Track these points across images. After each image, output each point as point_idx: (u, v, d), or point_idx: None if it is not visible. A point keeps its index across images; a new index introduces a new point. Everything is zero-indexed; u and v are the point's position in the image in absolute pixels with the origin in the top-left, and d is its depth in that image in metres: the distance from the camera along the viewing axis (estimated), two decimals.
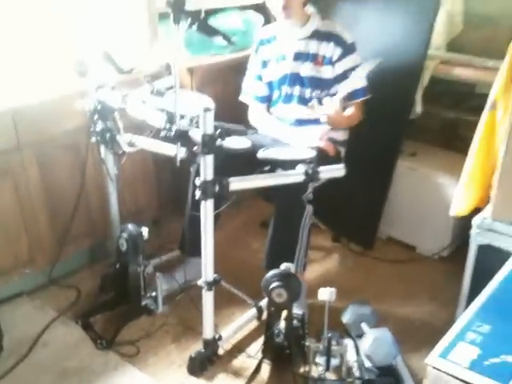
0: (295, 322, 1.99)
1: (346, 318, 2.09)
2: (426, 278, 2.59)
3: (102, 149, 2.25)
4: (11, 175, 2.19)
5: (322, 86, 2.37)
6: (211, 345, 1.99)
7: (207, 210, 1.78)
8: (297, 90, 2.41)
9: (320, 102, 2.26)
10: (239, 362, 2.08)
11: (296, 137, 2.36)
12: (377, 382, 1.85)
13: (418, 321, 2.29)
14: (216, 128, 1.71)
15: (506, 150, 1.80)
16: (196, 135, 1.74)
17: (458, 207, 2.17)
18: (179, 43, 1.72)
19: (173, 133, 1.79)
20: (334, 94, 2.35)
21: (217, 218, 1.89)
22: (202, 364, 2.00)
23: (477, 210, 2.09)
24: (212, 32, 1.93)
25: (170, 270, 2.40)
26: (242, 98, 2.59)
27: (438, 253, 2.67)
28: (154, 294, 2.24)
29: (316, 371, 1.94)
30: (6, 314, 2.19)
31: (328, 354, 1.88)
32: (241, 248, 2.81)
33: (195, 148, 1.78)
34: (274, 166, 2.02)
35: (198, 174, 1.80)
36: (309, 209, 2.21)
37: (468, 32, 2.74)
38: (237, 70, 2.80)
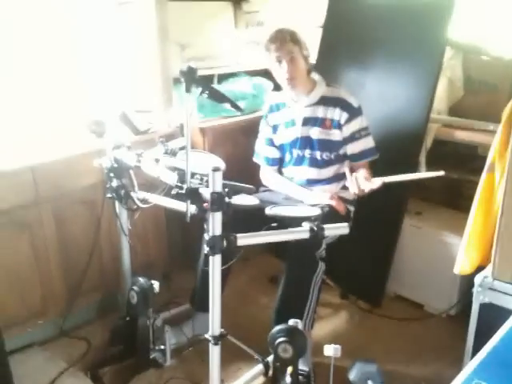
0: (301, 378, 2.00)
1: (352, 375, 2.09)
2: (434, 336, 2.59)
3: (117, 204, 2.33)
4: (28, 229, 2.29)
5: (331, 147, 2.44)
6: None
7: (215, 264, 1.83)
8: (307, 152, 2.48)
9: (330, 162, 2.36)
10: None
11: (307, 196, 2.44)
12: None
13: (423, 380, 2.28)
14: (225, 186, 1.79)
15: (502, 211, 1.86)
16: (206, 193, 1.83)
17: (462, 266, 2.21)
18: (191, 108, 1.83)
19: (184, 190, 1.88)
20: (343, 155, 2.46)
21: (226, 273, 1.93)
22: None
23: (481, 268, 2.12)
24: (221, 99, 2.03)
25: (179, 323, 2.43)
26: (255, 159, 2.68)
27: (445, 311, 2.67)
28: (162, 347, 2.28)
29: None
30: (17, 364, 2.21)
31: None
32: (249, 303, 2.84)
33: (205, 204, 1.86)
34: (281, 222, 2.08)
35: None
36: (321, 266, 2.26)
37: (469, 97, 2.84)
38: (246, 131, 2.94)
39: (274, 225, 2.08)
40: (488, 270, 2.00)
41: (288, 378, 1.93)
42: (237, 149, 2.99)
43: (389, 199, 2.68)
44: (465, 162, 2.88)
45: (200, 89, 1.85)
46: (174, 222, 2.91)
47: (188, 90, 1.77)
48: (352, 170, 2.38)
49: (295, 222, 1.99)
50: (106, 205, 2.41)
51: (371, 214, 2.66)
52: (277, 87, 2.98)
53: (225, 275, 1.89)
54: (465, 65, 2.84)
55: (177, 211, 2.10)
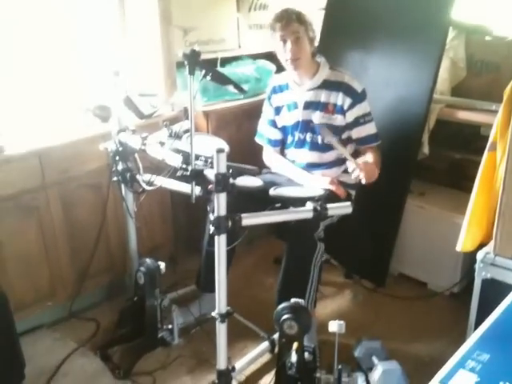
0: (306, 354, 2.04)
1: (357, 351, 2.14)
2: (437, 314, 2.62)
3: (123, 187, 2.37)
4: (36, 213, 2.32)
5: (333, 132, 2.42)
6: (225, 376, 2.02)
7: (220, 244, 1.85)
8: (309, 136, 2.48)
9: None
10: None
11: (308, 179, 2.46)
12: None
13: (427, 356, 2.32)
14: (229, 168, 1.81)
15: (503, 188, 1.89)
16: (210, 174, 1.85)
17: (464, 243, 2.24)
18: (195, 91, 1.85)
19: (189, 172, 1.91)
20: (346, 140, 2.46)
21: (231, 254, 1.96)
22: None
23: (482, 246, 2.15)
24: (225, 81, 2.05)
25: (186, 303, 2.47)
26: (257, 139, 2.70)
27: (449, 289, 2.71)
28: (170, 326, 2.33)
29: None
30: (27, 345, 2.26)
31: None
32: (254, 284, 2.88)
33: (210, 186, 1.89)
34: (285, 203, 2.11)
35: (213, 211, 1.89)
36: (320, 246, 2.28)
37: (471, 77, 2.84)
38: (249, 114, 2.96)
39: (278, 205, 2.11)
40: (490, 247, 2.04)
41: (294, 355, 1.98)
42: (240, 132, 3.02)
43: (392, 180, 2.72)
44: (467, 143, 2.89)
45: (203, 71, 1.87)
46: (179, 205, 2.94)
47: (191, 73, 1.79)
48: (358, 154, 2.40)
49: (299, 202, 2.01)
50: (112, 188, 2.45)
51: (375, 195, 2.67)
52: (279, 70, 2.99)
53: (229, 257, 1.92)
54: (467, 45, 2.83)
55: (182, 193, 2.13)
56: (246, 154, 2.64)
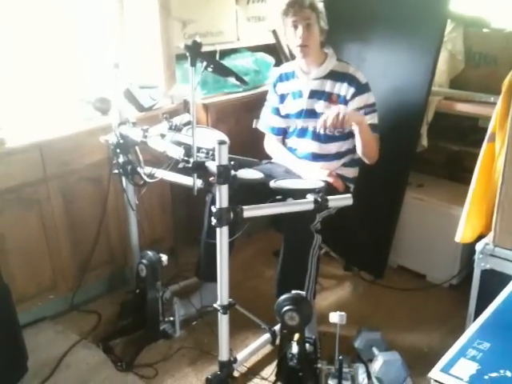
0: (307, 345, 2.05)
1: (357, 342, 2.16)
2: (436, 305, 2.65)
3: (124, 180, 2.37)
4: (37, 205, 2.33)
5: None
6: (227, 367, 2.04)
7: (222, 236, 1.86)
8: (311, 125, 2.49)
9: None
10: None
11: (306, 170, 2.47)
12: None
13: (426, 347, 2.35)
14: (230, 160, 1.82)
15: (503, 179, 1.90)
16: (212, 166, 1.86)
17: (463, 234, 2.25)
18: (195, 83, 1.85)
19: (190, 164, 1.91)
20: (347, 132, 2.44)
21: (231, 246, 1.97)
22: None
23: (482, 237, 2.17)
24: (226, 73, 2.05)
25: (187, 296, 2.48)
26: (259, 126, 2.71)
27: (447, 281, 2.73)
28: (171, 318, 2.35)
29: None
30: (30, 338, 2.27)
31: (340, 376, 1.94)
32: (254, 276, 2.90)
33: (211, 178, 1.90)
34: (286, 195, 2.12)
35: (213, 203, 1.89)
36: (317, 238, 2.29)
37: (469, 70, 2.85)
38: (249, 107, 2.98)
39: (279, 197, 2.12)
40: (489, 237, 2.05)
41: (295, 346, 1.99)
42: (239, 124, 3.02)
43: (391, 172, 2.73)
44: (466, 135, 2.91)
45: (204, 63, 1.88)
46: (179, 197, 2.95)
47: (193, 64, 1.79)
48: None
49: (299, 194, 2.02)
50: (113, 181, 2.45)
51: (374, 187, 2.71)
52: (278, 63, 3.00)
53: (229, 249, 1.93)
54: (465, 37, 2.84)
55: (182, 186, 2.14)
56: (245, 146, 2.65)
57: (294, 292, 2.01)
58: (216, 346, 2.05)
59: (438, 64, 2.70)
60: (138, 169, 2.27)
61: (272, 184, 2.05)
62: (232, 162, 1.80)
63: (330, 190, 2.23)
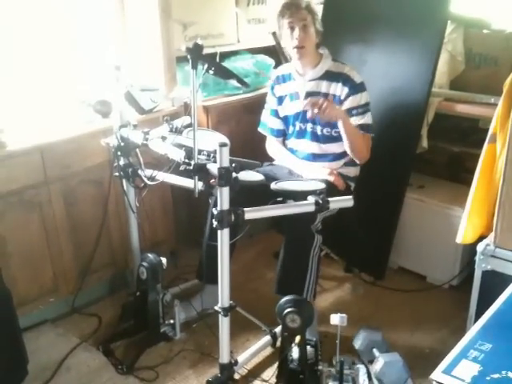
0: (308, 347, 2.06)
1: (357, 343, 2.15)
2: (436, 306, 2.64)
3: (124, 183, 2.38)
4: (38, 208, 2.33)
5: (332, 123, 2.43)
6: (227, 369, 2.05)
7: (223, 238, 1.87)
8: (309, 126, 2.50)
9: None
10: None
11: (307, 170, 2.48)
12: None
13: (427, 348, 2.34)
14: (231, 162, 1.82)
15: (503, 180, 1.90)
16: (213, 169, 1.86)
17: (464, 235, 2.26)
18: (197, 85, 1.85)
19: (192, 167, 1.91)
20: None
21: (232, 248, 1.97)
22: None
23: (483, 238, 2.17)
24: (228, 75, 2.05)
25: (188, 298, 2.48)
26: (260, 129, 2.72)
27: (448, 282, 2.72)
28: (172, 321, 2.34)
29: None
30: (30, 341, 2.27)
31: (340, 378, 1.94)
32: (255, 278, 2.90)
33: (212, 181, 1.90)
34: (287, 197, 2.12)
35: (215, 205, 1.90)
36: (318, 238, 2.30)
37: (470, 71, 2.85)
38: (249, 109, 2.99)
39: (280, 199, 2.13)
40: (490, 238, 2.05)
41: (295, 348, 1.99)
42: (240, 126, 3.03)
43: (392, 173, 2.74)
44: (466, 136, 2.91)
45: (206, 65, 1.88)
46: (180, 200, 2.95)
47: (194, 67, 1.79)
48: None
49: (300, 195, 2.03)
50: (114, 183, 2.45)
51: (374, 189, 2.71)
52: (278, 65, 3.00)
53: (230, 251, 1.93)
54: (466, 38, 2.84)
55: (184, 188, 2.14)
56: (246, 148, 2.66)
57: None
58: (217, 349, 2.05)
59: (439, 65, 2.70)
60: (139, 171, 2.27)
61: (273, 186, 2.05)
62: (233, 165, 1.81)
63: (330, 188, 2.24)
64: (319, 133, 2.48)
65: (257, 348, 2.27)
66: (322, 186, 2.07)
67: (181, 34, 2.91)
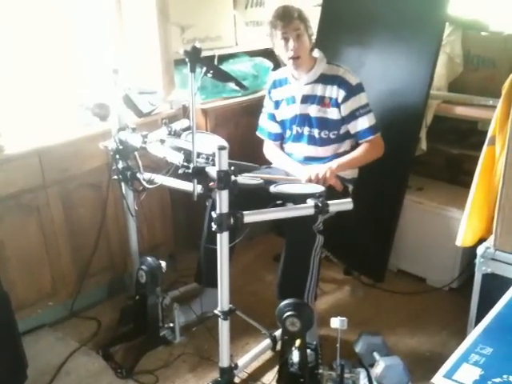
0: (308, 350, 2.05)
1: (358, 347, 2.14)
2: (436, 309, 2.64)
3: (123, 186, 2.37)
4: (37, 212, 2.32)
5: (329, 126, 2.46)
6: (227, 373, 2.04)
7: (223, 241, 1.86)
8: (306, 130, 2.50)
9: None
10: None
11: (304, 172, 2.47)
12: None
13: (428, 351, 2.34)
14: (230, 165, 1.82)
15: (503, 182, 1.90)
16: (212, 172, 1.85)
17: (464, 237, 2.25)
18: (195, 88, 1.85)
19: (190, 170, 1.91)
20: (343, 134, 2.47)
21: (231, 251, 1.96)
22: None
23: (482, 241, 2.17)
24: (226, 78, 2.05)
25: (187, 302, 2.47)
26: (258, 133, 2.72)
27: (448, 284, 2.72)
28: (171, 324, 2.34)
29: None
30: (29, 345, 2.26)
31: (341, 381, 1.94)
32: (255, 281, 2.89)
33: (211, 184, 1.90)
34: (286, 200, 2.11)
35: (213, 208, 1.89)
36: (320, 239, 2.29)
37: (468, 73, 2.85)
38: (247, 111, 2.98)
39: (279, 202, 2.12)
40: (490, 241, 2.05)
41: (295, 352, 1.99)
42: (238, 129, 3.03)
43: (390, 176, 2.73)
44: (465, 138, 2.91)
45: (204, 68, 1.87)
46: (179, 203, 2.95)
47: (193, 70, 1.79)
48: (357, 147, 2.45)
49: (300, 198, 2.02)
50: (112, 187, 2.45)
51: (373, 191, 2.71)
52: (276, 67, 3.00)
53: (230, 254, 1.92)
54: (464, 41, 2.84)
55: (182, 191, 2.13)
56: (244, 151, 2.66)
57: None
58: (216, 352, 2.04)
59: (437, 67, 2.70)
60: (138, 174, 2.27)
61: (272, 189, 2.04)
62: (232, 168, 1.80)
63: (328, 191, 2.23)
64: (317, 136, 2.49)
65: (257, 351, 2.26)
66: (322, 188, 2.07)
67: (179, 37, 2.91)
